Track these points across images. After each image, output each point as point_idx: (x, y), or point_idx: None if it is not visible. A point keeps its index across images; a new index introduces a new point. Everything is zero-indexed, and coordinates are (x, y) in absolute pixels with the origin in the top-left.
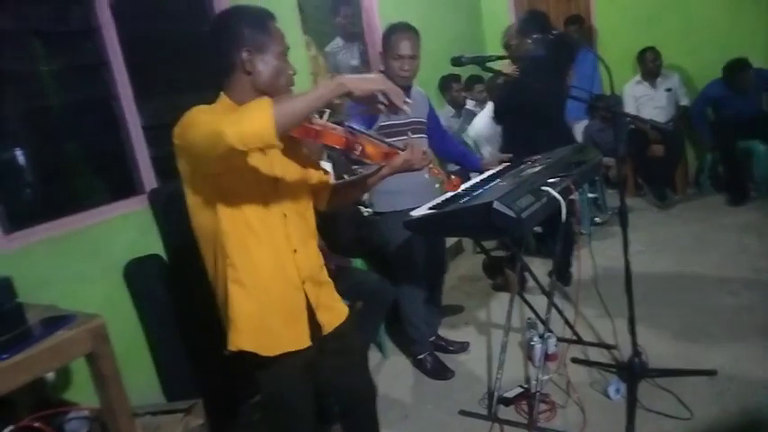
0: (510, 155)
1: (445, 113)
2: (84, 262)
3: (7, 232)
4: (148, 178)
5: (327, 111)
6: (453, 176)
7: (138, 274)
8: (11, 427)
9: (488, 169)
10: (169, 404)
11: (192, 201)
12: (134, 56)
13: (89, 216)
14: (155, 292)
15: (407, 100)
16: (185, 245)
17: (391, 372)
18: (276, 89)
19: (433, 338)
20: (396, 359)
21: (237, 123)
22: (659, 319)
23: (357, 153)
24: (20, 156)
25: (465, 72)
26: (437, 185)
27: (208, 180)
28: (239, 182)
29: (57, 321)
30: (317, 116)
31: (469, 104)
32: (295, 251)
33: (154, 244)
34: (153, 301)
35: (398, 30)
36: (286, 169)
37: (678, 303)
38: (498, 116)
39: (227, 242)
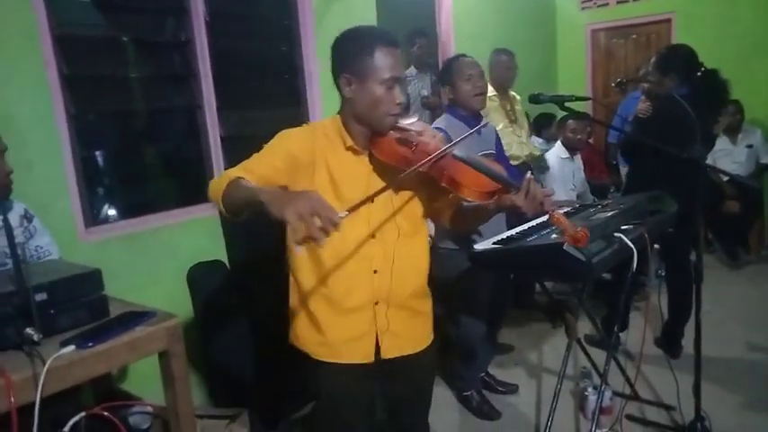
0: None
1: None
2: (153, 260)
3: (88, 226)
4: None
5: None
6: (581, 228)
7: (200, 278)
8: (82, 414)
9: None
10: (215, 409)
11: None
12: (221, 69)
13: (162, 217)
14: (214, 297)
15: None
16: (247, 254)
17: (433, 403)
18: (372, 119)
19: (482, 375)
20: (438, 390)
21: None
22: (725, 385)
23: (444, 183)
24: (103, 156)
25: (534, 110)
26: (554, 235)
27: None
28: None
29: (136, 317)
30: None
31: (536, 142)
32: (375, 272)
33: (218, 250)
34: (211, 307)
35: (455, 57)
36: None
37: (747, 371)
38: (628, 153)
39: (296, 254)
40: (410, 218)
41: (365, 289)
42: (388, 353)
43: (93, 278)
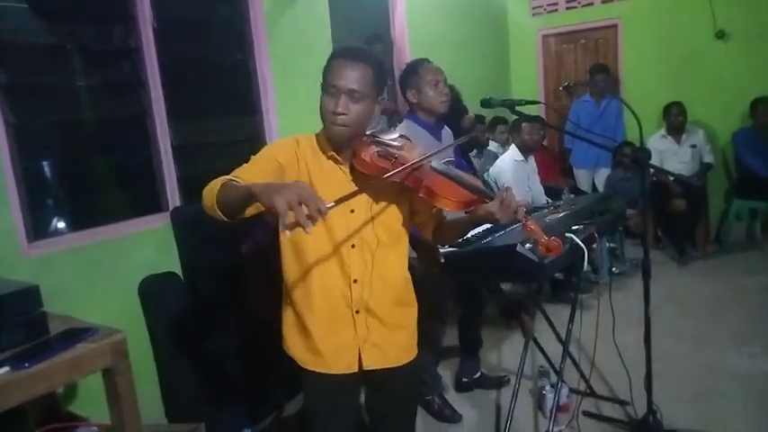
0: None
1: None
2: (102, 275)
3: (30, 241)
4: (173, 196)
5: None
6: (554, 238)
7: (152, 290)
8: None
9: None
10: (171, 425)
11: None
12: (170, 77)
13: (111, 230)
14: (167, 310)
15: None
16: (202, 265)
17: None
18: (324, 122)
19: (477, 376)
20: None
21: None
22: (675, 378)
23: (421, 193)
24: (49, 166)
25: (489, 114)
26: (528, 245)
27: None
28: None
29: (78, 334)
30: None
31: (492, 146)
32: (355, 281)
33: (171, 262)
34: (164, 320)
35: (420, 61)
36: (360, 202)
37: (695, 363)
38: None
39: (284, 260)
40: (389, 229)
41: (344, 297)
42: (369, 363)
43: (29, 295)
